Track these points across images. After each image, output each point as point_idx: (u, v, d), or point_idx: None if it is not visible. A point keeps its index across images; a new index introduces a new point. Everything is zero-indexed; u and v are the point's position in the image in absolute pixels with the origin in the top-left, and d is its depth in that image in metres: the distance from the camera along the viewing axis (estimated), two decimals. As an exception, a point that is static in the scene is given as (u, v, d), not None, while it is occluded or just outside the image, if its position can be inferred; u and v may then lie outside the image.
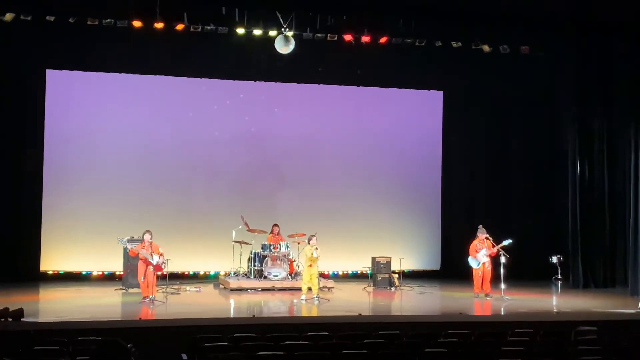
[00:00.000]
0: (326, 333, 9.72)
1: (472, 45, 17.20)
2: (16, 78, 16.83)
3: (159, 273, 14.02)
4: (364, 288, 16.28)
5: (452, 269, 18.37)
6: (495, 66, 18.45)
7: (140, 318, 11.82)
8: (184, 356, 8.52)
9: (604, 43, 17.04)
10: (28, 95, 17.08)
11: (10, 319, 10.18)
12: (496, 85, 19.27)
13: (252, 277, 16.11)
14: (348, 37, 16.73)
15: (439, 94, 19.64)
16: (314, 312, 13.06)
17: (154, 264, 13.63)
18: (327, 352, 8.30)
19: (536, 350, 8.76)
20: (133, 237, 14.64)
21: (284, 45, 15.99)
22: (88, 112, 17.51)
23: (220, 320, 11.32)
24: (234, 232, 16.59)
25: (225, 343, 8.89)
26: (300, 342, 9.01)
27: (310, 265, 14.52)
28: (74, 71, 17.44)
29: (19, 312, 10.44)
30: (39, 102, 17.08)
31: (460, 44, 17.07)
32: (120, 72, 17.63)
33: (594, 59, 17.25)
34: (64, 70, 17.41)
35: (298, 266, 16.46)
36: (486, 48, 17.21)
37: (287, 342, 8.83)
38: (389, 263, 16.67)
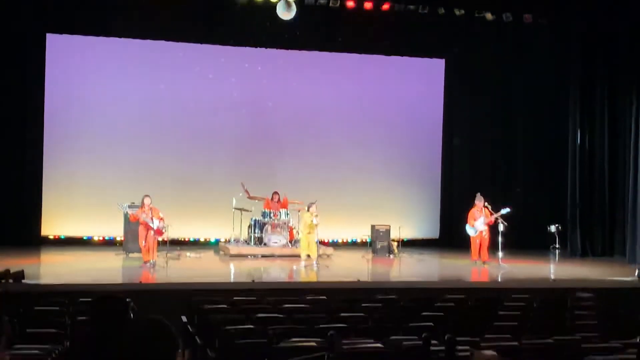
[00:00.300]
0: (324, 297, 9.82)
1: (475, 13, 17.08)
2: (16, 42, 16.72)
3: (160, 238, 14.06)
4: (363, 255, 16.34)
5: (451, 237, 18.45)
6: (498, 35, 18.34)
7: (141, 282, 11.92)
8: (184, 318, 8.60)
9: (608, 13, 16.91)
10: (28, 59, 17.00)
11: (10, 281, 10.25)
12: (498, 53, 19.16)
13: (252, 244, 16.18)
14: (350, 4, 16.61)
15: (441, 62, 19.53)
16: (313, 278, 13.16)
17: (155, 228, 13.67)
18: (325, 315, 8.38)
19: (533, 315, 8.85)
20: (133, 203, 14.67)
21: (286, 11, 15.85)
22: (88, 76, 17.44)
23: (220, 285, 11.43)
24: (234, 200, 16.62)
25: (225, 306, 8.98)
26: (299, 305, 9.11)
27: (309, 233, 14.58)
28: (75, 35, 17.34)
29: (20, 274, 10.51)
30: (39, 66, 17.00)
31: (463, 11, 16.96)
32: (120, 37, 17.54)
33: (597, 27, 17.13)
34: (64, 35, 17.31)
35: (298, 233, 16.52)
36: (489, 16, 17.11)
37: (286, 306, 8.92)
38: (388, 231, 16.75)
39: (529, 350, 5.41)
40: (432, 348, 4.67)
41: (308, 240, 14.59)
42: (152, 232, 13.65)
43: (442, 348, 4.19)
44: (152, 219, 13.67)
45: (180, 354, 3.22)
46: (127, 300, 4.14)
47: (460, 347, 4.79)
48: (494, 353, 4.36)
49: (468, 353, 4.68)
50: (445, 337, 3.94)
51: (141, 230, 13.80)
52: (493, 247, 15.04)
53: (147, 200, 13.83)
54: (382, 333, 7.04)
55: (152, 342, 3.06)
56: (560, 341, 6.16)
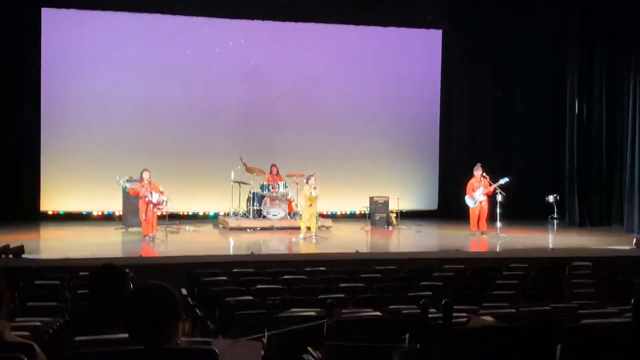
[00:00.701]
0: (324, 269, 9.86)
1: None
2: (11, 17, 16.61)
3: (159, 211, 14.07)
4: (362, 227, 16.42)
5: (450, 208, 18.48)
6: (497, 4, 18.23)
7: (141, 255, 11.95)
8: (184, 291, 8.64)
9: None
10: (23, 34, 16.90)
11: (10, 256, 10.28)
12: (497, 23, 19.04)
13: (251, 216, 16.21)
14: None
15: (438, 32, 19.44)
16: (312, 250, 13.20)
17: (154, 201, 13.67)
18: (324, 285, 8.42)
19: (531, 284, 8.89)
20: (132, 177, 14.67)
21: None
22: (85, 51, 17.36)
23: (220, 257, 11.46)
24: (232, 173, 16.63)
25: (225, 278, 9.02)
26: (298, 276, 9.15)
27: (310, 205, 14.58)
28: (70, 9, 17.22)
29: (20, 249, 10.54)
30: (35, 41, 16.90)
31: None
32: (116, 10, 17.41)
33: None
34: (59, 9, 17.18)
35: (297, 206, 16.55)
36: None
37: (285, 277, 8.96)
38: (386, 203, 16.78)
39: (526, 317, 5.45)
40: (430, 315, 4.70)
41: (309, 213, 14.57)
42: (151, 206, 13.66)
43: (440, 315, 4.22)
44: (151, 193, 13.66)
45: (182, 323, 3.16)
46: (127, 270, 4.17)
47: (457, 315, 4.82)
48: (492, 319, 4.40)
49: (465, 319, 4.72)
50: (443, 302, 3.97)
51: (141, 204, 13.82)
52: (492, 217, 15.08)
53: (145, 174, 13.81)
54: (381, 303, 7.08)
55: (154, 307, 3.04)
56: (557, 308, 6.21)
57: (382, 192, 17.03)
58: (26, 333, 4.52)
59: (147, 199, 13.63)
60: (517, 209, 17.34)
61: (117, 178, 14.31)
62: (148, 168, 14.04)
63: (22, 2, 16.63)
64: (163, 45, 17.83)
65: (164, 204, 13.95)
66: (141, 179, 13.89)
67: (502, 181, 14.73)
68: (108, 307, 4.05)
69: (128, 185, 14.24)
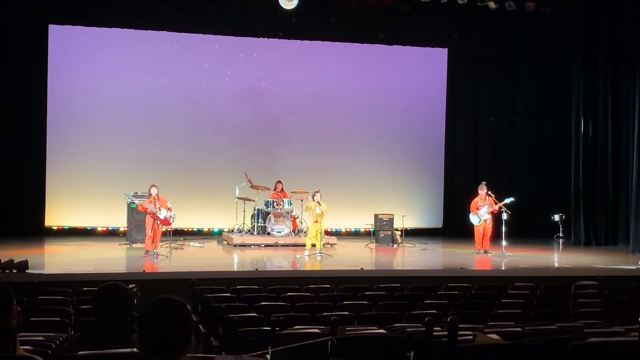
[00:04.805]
0: (328, 286, 9.84)
1: (478, 2, 17.01)
2: (18, 33, 16.71)
3: (167, 227, 14.03)
4: (367, 245, 16.39)
5: (454, 226, 18.46)
6: (501, 23, 18.28)
7: (144, 271, 11.92)
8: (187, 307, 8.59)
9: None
10: (30, 50, 16.98)
11: (15, 271, 10.28)
12: (502, 42, 19.09)
13: (255, 233, 16.18)
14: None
15: (444, 51, 19.49)
16: (317, 267, 13.15)
17: (162, 218, 13.60)
18: (329, 303, 8.39)
19: (536, 302, 8.85)
20: (137, 193, 14.66)
21: (288, 0, 15.87)
22: (91, 67, 17.43)
23: (223, 274, 11.45)
24: (237, 189, 16.64)
25: (228, 294, 9.00)
26: (302, 294, 9.12)
27: (316, 221, 14.50)
28: (77, 26, 17.31)
29: (24, 264, 10.53)
30: (42, 57, 16.99)
31: (465, 0, 16.89)
32: (122, 28, 17.50)
33: (600, 15, 17.07)
34: (66, 25, 17.27)
35: (301, 223, 16.52)
36: (492, 5, 17.03)
37: (289, 294, 8.93)
38: (391, 220, 16.75)
39: (532, 335, 5.41)
40: (435, 333, 4.67)
41: (316, 229, 14.47)
42: (158, 222, 13.61)
43: (445, 333, 4.19)
44: (159, 209, 13.60)
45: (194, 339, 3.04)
46: (131, 286, 4.15)
47: (463, 333, 4.79)
48: (498, 337, 4.36)
49: (471, 337, 4.68)
50: (448, 319, 3.94)
51: (148, 220, 13.75)
52: (497, 236, 15.03)
53: (153, 190, 13.74)
54: (386, 321, 7.05)
55: (171, 322, 2.95)
56: (563, 327, 6.16)
57: (386, 209, 17.00)
58: (29, 347, 4.50)
59: (154, 215, 13.58)
60: (522, 227, 17.31)
61: (125, 193, 14.27)
62: (154, 184, 14.00)
63: (29, 18, 16.71)
64: (168, 62, 17.89)
65: (172, 220, 13.88)
66: (149, 195, 13.84)
67: (507, 200, 14.68)
68: (112, 326, 4.02)
69: (136, 200, 14.19)
